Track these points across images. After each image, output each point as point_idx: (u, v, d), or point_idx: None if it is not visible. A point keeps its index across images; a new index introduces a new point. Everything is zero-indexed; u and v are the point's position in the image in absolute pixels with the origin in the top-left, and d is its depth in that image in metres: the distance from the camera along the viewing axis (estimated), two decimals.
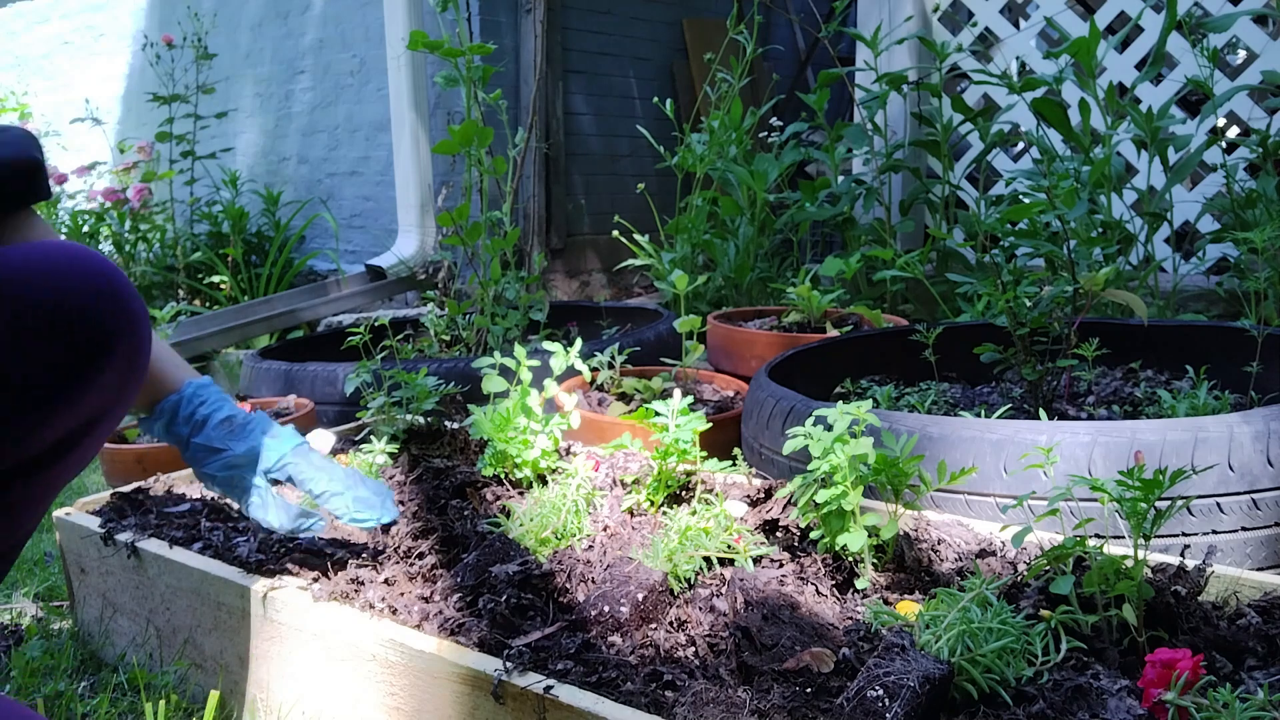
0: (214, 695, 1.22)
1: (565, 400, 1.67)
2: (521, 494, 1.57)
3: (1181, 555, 1.13)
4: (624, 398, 2.26)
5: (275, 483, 1.26)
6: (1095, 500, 1.05)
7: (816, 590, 1.18)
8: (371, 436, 1.83)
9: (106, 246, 4.92)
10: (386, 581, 1.24)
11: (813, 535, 1.25)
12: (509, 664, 0.98)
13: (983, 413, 1.84)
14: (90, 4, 6.45)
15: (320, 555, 1.34)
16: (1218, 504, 1.30)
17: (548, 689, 0.93)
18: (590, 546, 1.32)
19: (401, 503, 1.53)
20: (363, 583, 1.22)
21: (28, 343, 0.87)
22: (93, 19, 6.47)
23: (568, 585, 1.21)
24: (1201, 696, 0.80)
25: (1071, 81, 2.88)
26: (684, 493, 1.47)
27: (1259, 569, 1.29)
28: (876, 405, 1.93)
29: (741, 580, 1.14)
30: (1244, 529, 1.31)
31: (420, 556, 1.33)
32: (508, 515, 1.43)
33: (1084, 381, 2.00)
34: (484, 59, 2.69)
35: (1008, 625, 0.94)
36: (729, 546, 1.25)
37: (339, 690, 1.15)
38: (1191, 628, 1.02)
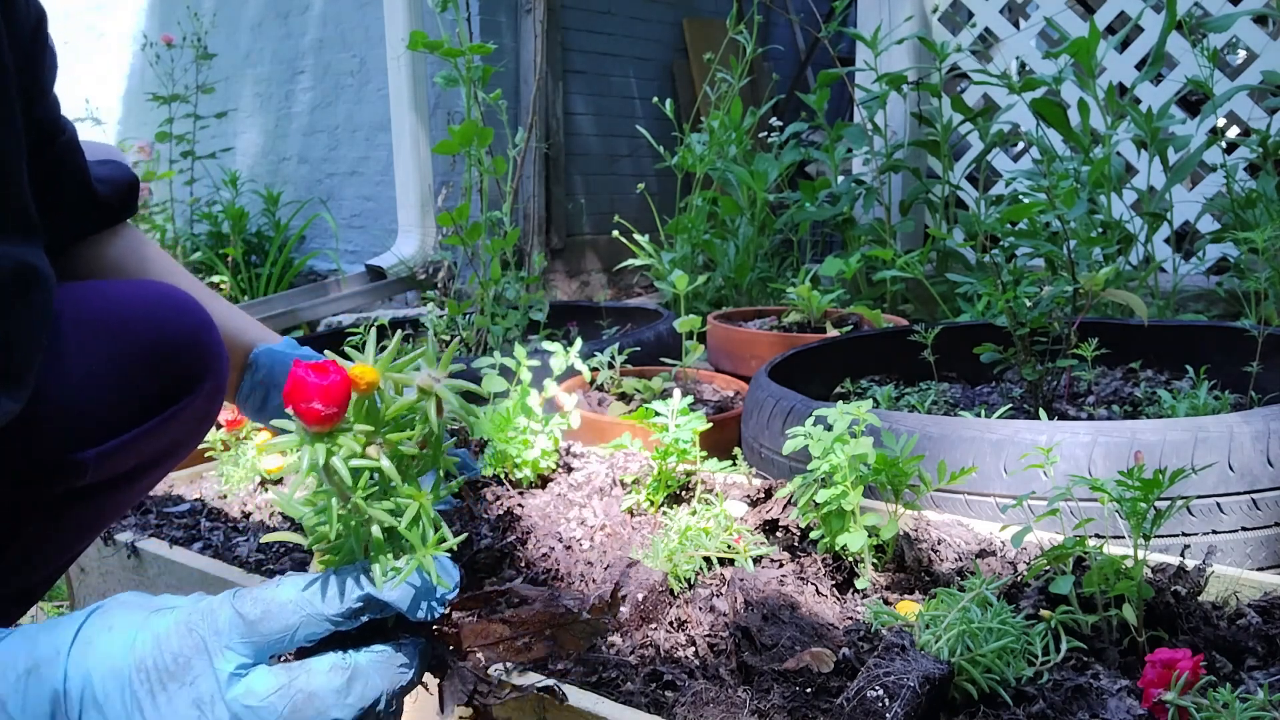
0: None
1: (565, 400, 1.67)
2: (521, 494, 1.57)
3: (1181, 555, 1.13)
4: (624, 398, 2.26)
5: None
6: (1095, 500, 1.05)
7: (816, 590, 1.18)
8: None
9: None
10: None
11: (813, 535, 1.25)
12: (509, 663, 0.98)
13: (983, 413, 1.84)
14: (90, 4, 6.45)
15: None
16: (1218, 504, 1.30)
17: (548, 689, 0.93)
18: (590, 546, 1.32)
19: None
20: None
21: (128, 376, 0.92)
22: (93, 19, 6.47)
23: (568, 585, 1.21)
24: (1201, 696, 0.80)
25: (1071, 81, 2.88)
26: (684, 493, 1.47)
27: (1259, 569, 1.29)
28: (876, 405, 1.92)
29: (741, 580, 1.14)
30: (1244, 529, 1.31)
31: None
32: (509, 514, 1.43)
33: (1084, 381, 2.00)
34: (484, 59, 2.69)
35: (1008, 625, 0.94)
36: (729, 546, 1.25)
37: None
38: (1191, 628, 1.02)
